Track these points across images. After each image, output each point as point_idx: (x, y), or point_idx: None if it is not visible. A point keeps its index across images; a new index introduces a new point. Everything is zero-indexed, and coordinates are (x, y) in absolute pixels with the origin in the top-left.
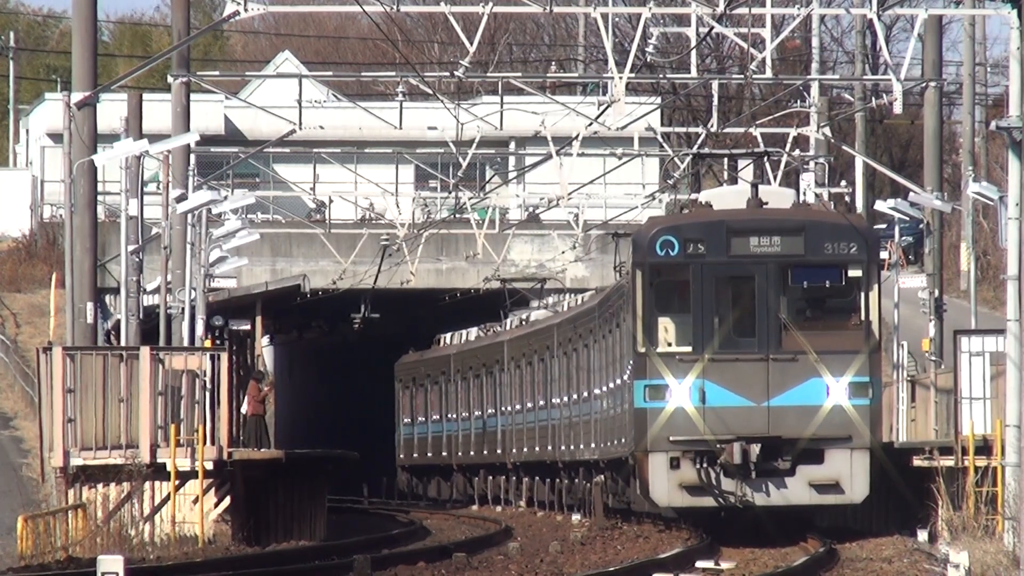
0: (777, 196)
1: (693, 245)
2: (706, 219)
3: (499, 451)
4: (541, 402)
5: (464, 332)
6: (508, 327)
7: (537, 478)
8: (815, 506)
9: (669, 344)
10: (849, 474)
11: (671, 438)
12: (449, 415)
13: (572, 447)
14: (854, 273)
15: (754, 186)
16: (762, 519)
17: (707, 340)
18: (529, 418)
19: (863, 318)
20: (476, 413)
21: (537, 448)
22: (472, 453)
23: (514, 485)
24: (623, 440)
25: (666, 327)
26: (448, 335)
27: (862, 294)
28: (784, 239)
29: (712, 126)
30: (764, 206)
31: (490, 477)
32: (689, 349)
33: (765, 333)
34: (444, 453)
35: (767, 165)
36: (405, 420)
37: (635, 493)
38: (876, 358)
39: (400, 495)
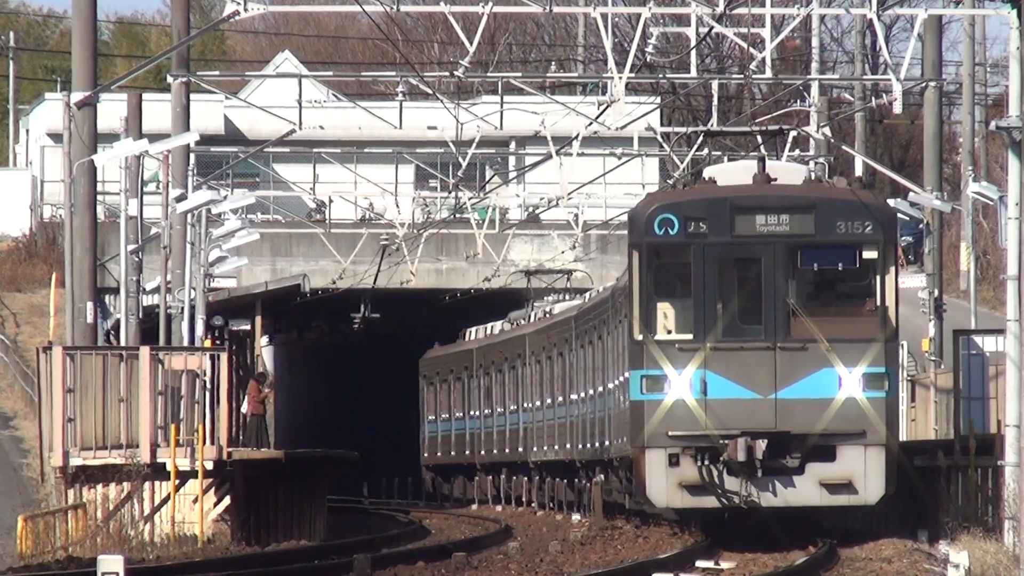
0: (786, 172)
1: (694, 224)
2: (709, 195)
3: (520, 449)
4: (560, 398)
5: (488, 326)
6: (532, 320)
7: (558, 479)
8: (826, 507)
9: (668, 331)
10: (863, 473)
11: (670, 433)
12: (472, 412)
13: (589, 445)
14: (869, 255)
15: (761, 160)
16: (768, 521)
17: (709, 327)
18: (549, 415)
19: (879, 303)
20: (498, 410)
21: (556, 446)
22: (495, 452)
23: (536, 485)
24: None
25: (665, 313)
26: (473, 329)
27: (877, 277)
28: (793, 217)
29: (712, 126)
30: (772, 182)
31: (513, 477)
32: (690, 337)
33: (772, 319)
34: (467, 452)
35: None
36: (429, 417)
37: (640, 492)
38: (893, 347)
39: (425, 496)
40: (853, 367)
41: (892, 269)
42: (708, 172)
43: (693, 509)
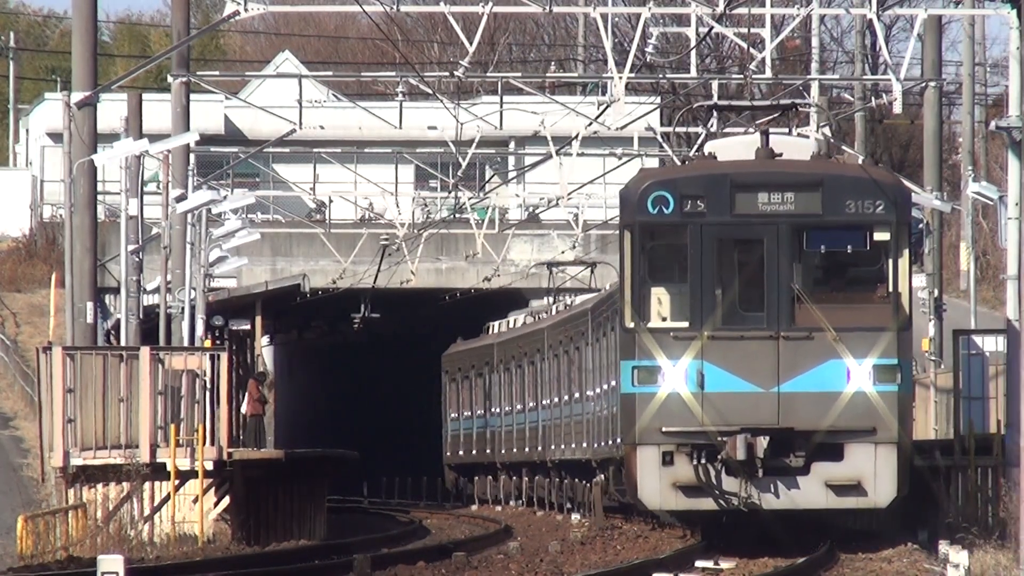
0: (793, 147)
1: (691, 202)
2: (707, 171)
3: (540, 448)
4: (576, 394)
5: (511, 319)
6: (552, 312)
7: (576, 479)
8: (832, 510)
9: (663, 319)
10: (873, 473)
11: (663, 429)
12: (493, 409)
13: (603, 443)
14: (880, 236)
15: (764, 133)
16: (770, 524)
17: (707, 314)
18: (566, 412)
19: (891, 289)
20: (518, 407)
21: (573, 445)
22: (515, 451)
23: (556, 486)
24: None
25: (659, 299)
26: (496, 323)
27: (890, 261)
28: (798, 196)
29: (712, 126)
30: (777, 157)
31: (535, 477)
32: (686, 324)
33: (775, 306)
34: (488, 451)
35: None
36: (451, 415)
37: (631, 492)
38: (906, 336)
39: (449, 497)
40: (863, 358)
41: (905, 252)
42: (708, 147)
43: (688, 511)
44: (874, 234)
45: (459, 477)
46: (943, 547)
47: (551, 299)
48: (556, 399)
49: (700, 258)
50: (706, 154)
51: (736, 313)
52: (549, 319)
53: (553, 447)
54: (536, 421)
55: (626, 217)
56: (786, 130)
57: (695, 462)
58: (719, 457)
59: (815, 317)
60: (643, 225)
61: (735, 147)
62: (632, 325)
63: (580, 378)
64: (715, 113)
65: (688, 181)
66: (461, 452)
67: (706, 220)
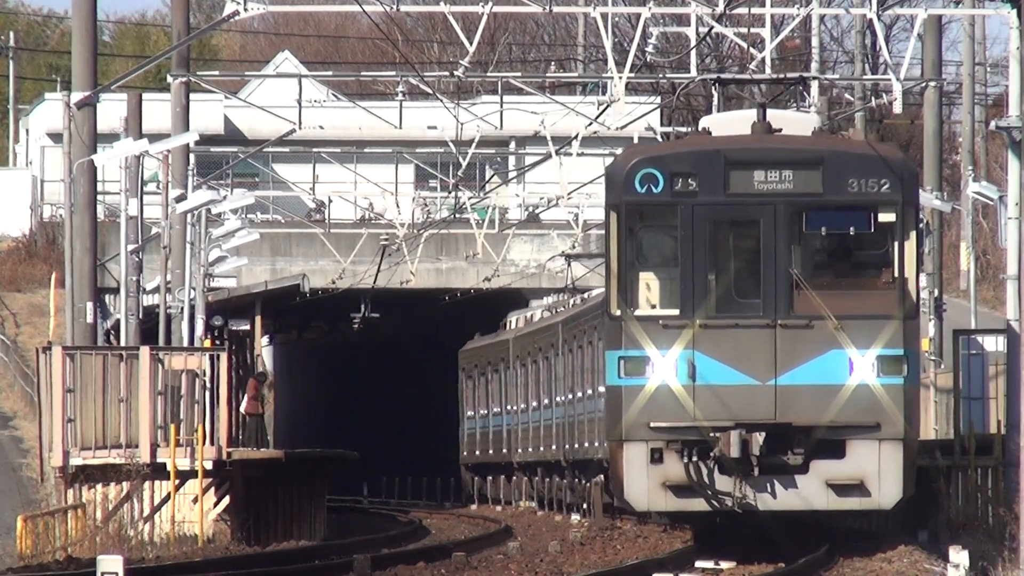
0: (793, 122)
1: (682, 180)
2: (699, 147)
3: (553, 447)
4: (588, 391)
5: (528, 313)
6: (570, 306)
7: (588, 480)
8: (833, 511)
9: (652, 306)
10: (877, 471)
11: (651, 424)
12: (508, 407)
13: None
14: (886, 217)
15: (762, 107)
16: (768, 525)
17: (699, 301)
18: (579, 409)
19: (896, 274)
20: (533, 405)
21: (586, 444)
22: (530, 450)
23: (570, 486)
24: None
25: (648, 284)
26: (513, 317)
27: (895, 244)
28: (797, 173)
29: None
30: (776, 133)
31: (547, 478)
32: (676, 312)
33: (772, 293)
34: (504, 450)
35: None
36: (468, 414)
37: (617, 492)
38: (912, 325)
39: (464, 498)
40: (866, 349)
41: (912, 235)
42: (703, 122)
43: (679, 512)
44: (879, 215)
45: (475, 477)
46: (947, 548)
47: (569, 294)
48: (570, 396)
49: (692, 241)
50: (701, 130)
51: (730, 300)
52: (564, 312)
53: (567, 446)
54: (551, 419)
55: (612, 197)
56: None
57: (686, 460)
58: (712, 454)
59: (815, 304)
60: (630, 205)
61: (731, 122)
62: (618, 313)
63: (592, 374)
64: (717, 95)
65: (679, 158)
66: (478, 452)
67: (698, 200)
